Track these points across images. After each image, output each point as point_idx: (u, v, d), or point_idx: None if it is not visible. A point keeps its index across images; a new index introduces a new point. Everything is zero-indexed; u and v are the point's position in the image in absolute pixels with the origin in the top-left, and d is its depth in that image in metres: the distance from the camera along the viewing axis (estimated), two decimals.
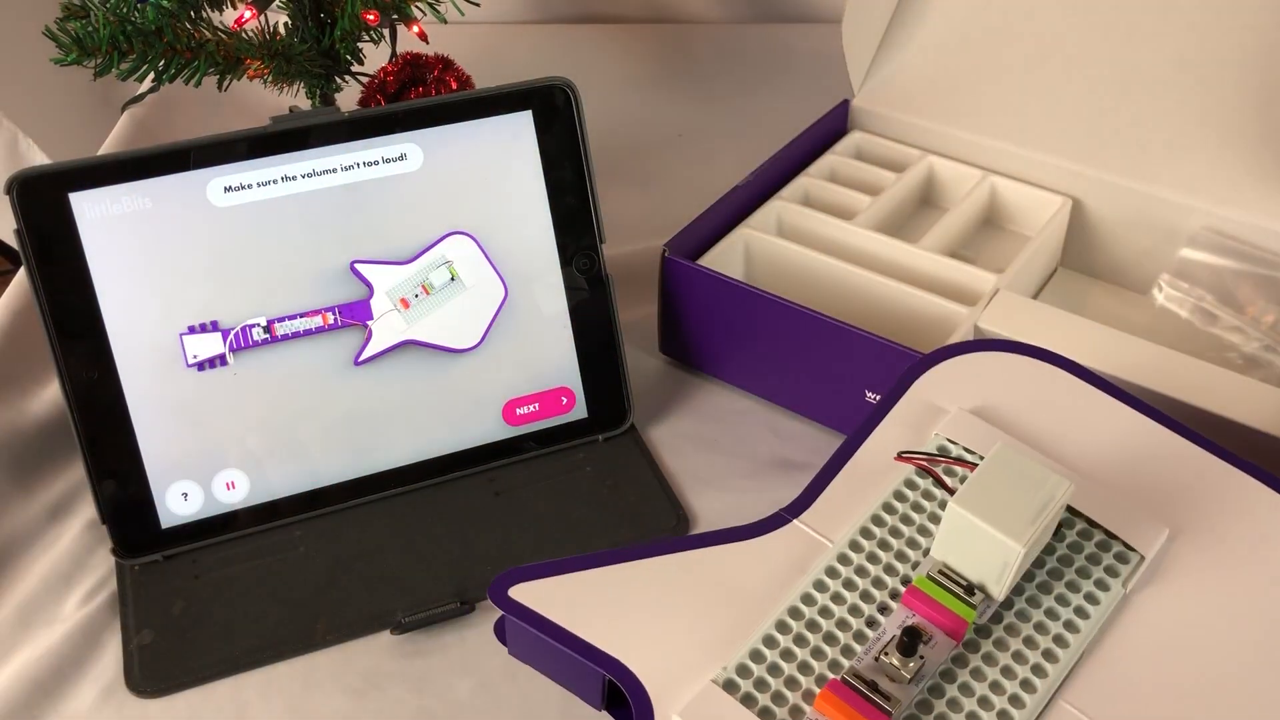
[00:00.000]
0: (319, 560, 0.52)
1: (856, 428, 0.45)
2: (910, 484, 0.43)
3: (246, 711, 0.46)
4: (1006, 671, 0.38)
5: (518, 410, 0.56)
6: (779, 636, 0.39)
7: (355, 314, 0.53)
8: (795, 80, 0.89)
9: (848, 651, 0.38)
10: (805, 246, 0.61)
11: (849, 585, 0.40)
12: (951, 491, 0.42)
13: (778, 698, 0.37)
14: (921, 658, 0.37)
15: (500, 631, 0.42)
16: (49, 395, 0.59)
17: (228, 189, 0.51)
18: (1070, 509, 0.42)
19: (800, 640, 0.39)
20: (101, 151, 0.78)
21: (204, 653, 0.48)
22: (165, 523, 0.52)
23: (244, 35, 0.64)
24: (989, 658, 0.38)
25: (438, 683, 0.47)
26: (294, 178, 0.52)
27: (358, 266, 0.53)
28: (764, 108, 0.86)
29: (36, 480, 0.56)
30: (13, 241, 0.51)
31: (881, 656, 0.37)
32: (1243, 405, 0.51)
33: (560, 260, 0.56)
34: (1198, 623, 0.39)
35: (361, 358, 0.53)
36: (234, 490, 0.52)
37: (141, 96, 0.75)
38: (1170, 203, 0.62)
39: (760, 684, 0.37)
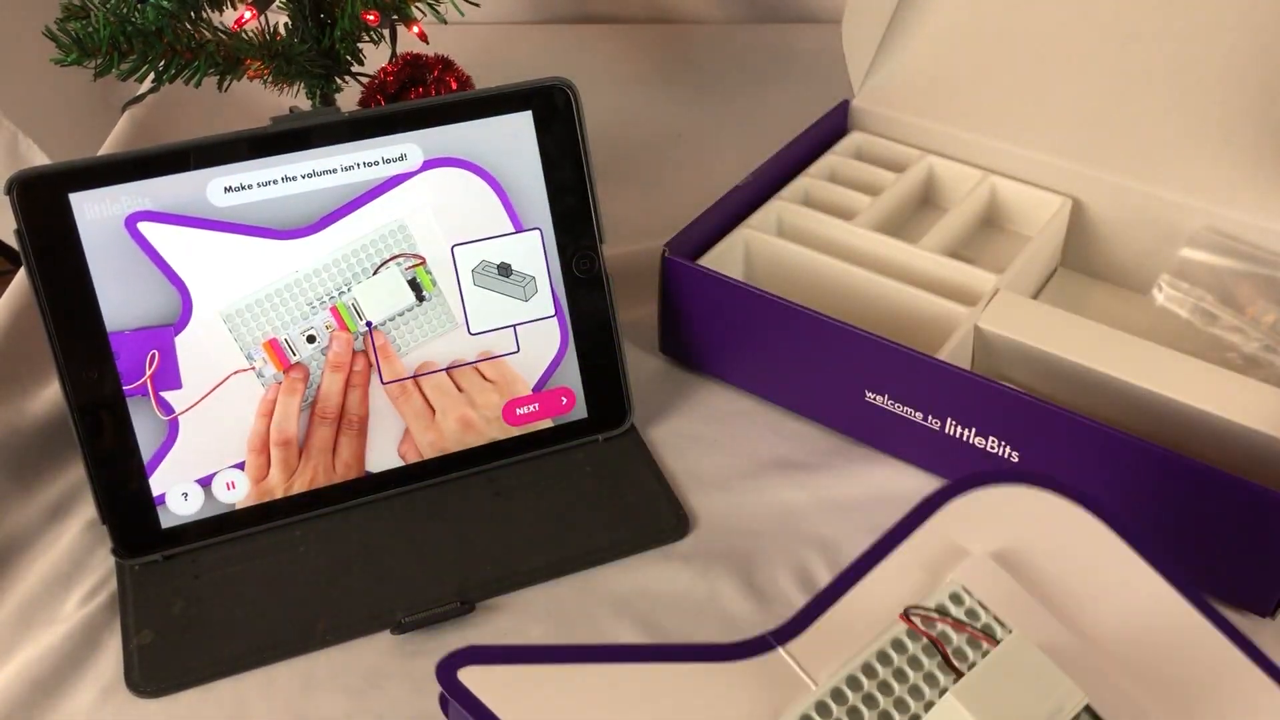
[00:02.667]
0: (319, 560, 0.52)
1: (865, 552, 0.41)
2: (912, 635, 0.39)
3: (246, 711, 0.46)
4: None
5: (517, 410, 0.56)
6: None
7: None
8: (795, 80, 0.89)
9: None
10: (805, 246, 0.61)
11: None
12: (958, 673, 0.38)
13: None
14: None
15: (444, 703, 0.40)
16: (49, 395, 0.59)
17: (228, 189, 0.51)
18: None
19: None
20: (101, 152, 0.78)
21: (204, 653, 0.48)
22: (165, 523, 0.51)
23: (244, 35, 0.64)
24: None
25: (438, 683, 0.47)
26: (294, 178, 0.52)
27: None
28: (764, 108, 0.86)
29: (36, 480, 0.56)
30: (13, 241, 0.51)
31: None
32: (1243, 405, 0.51)
33: (560, 260, 0.56)
34: None
35: None
36: (234, 490, 0.52)
37: (141, 97, 0.75)
38: (1170, 203, 0.62)
39: None
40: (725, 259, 0.61)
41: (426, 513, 0.54)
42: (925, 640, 0.38)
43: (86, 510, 0.54)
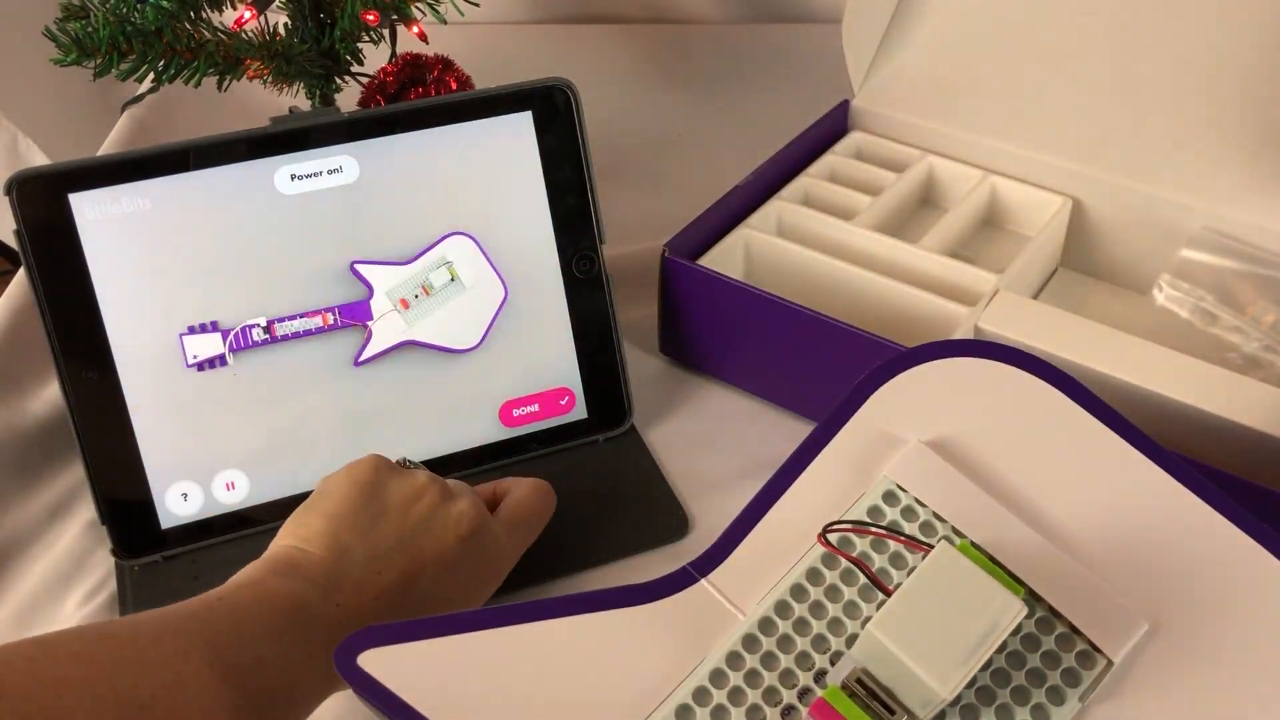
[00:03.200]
0: None
1: (784, 464, 0.37)
2: (846, 543, 0.35)
3: None
4: None
5: (517, 411, 0.56)
6: None
7: (355, 314, 0.53)
8: (795, 80, 0.89)
9: None
10: (805, 246, 0.61)
11: (752, 678, 0.34)
12: (887, 592, 0.34)
13: None
14: None
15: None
16: (49, 395, 0.59)
17: None
18: (1030, 591, 0.35)
19: None
20: (101, 152, 0.78)
21: None
22: (165, 523, 0.51)
23: (244, 36, 0.64)
24: None
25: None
26: (295, 178, 0.52)
27: (358, 267, 0.53)
28: (764, 108, 0.86)
29: (36, 480, 0.56)
30: (12, 242, 0.51)
31: None
32: (1243, 405, 0.51)
33: (560, 260, 0.56)
34: None
35: (361, 358, 0.53)
36: (234, 490, 0.52)
37: (141, 97, 0.75)
38: (1170, 203, 0.61)
39: None
40: (725, 259, 0.61)
41: None
42: (862, 546, 0.35)
43: (86, 511, 0.54)
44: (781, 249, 0.62)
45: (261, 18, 0.65)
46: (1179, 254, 0.61)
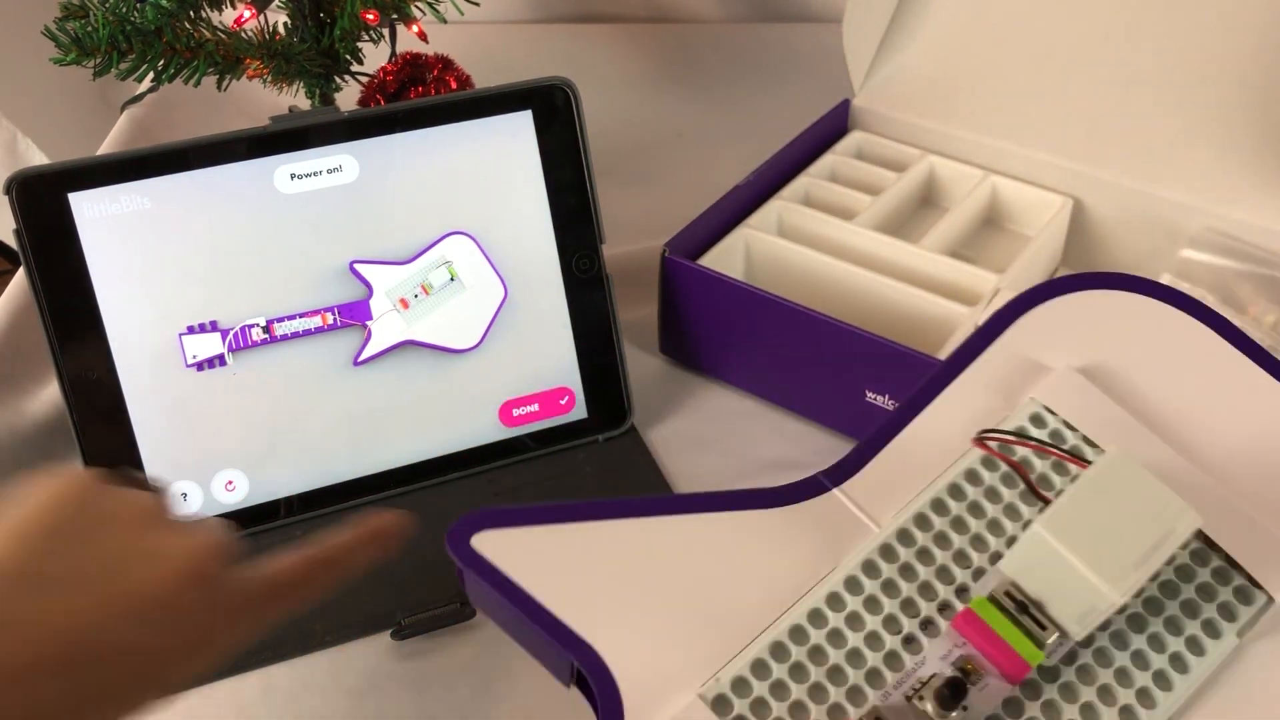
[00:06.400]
0: None
1: (927, 379, 0.35)
2: (989, 463, 0.34)
3: (245, 713, 0.46)
4: None
5: (517, 411, 0.56)
6: (791, 646, 0.31)
7: (354, 314, 0.53)
8: (795, 80, 0.89)
9: (875, 678, 0.31)
10: (805, 246, 0.61)
11: (889, 588, 0.32)
12: (1045, 502, 0.32)
13: None
14: (965, 708, 0.29)
15: (460, 572, 0.35)
16: (49, 395, 0.59)
17: None
18: None
19: (817, 654, 0.31)
20: (101, 151, 0.78)
21: None
22: None
23: (243, 35, 0.64)
24: (1051, 709, 0.30)
25: (437, 684, 0.47)
26: (295, 177, 0.52)
27: (357, 267, 0.53)
28: (764, 108, 0.86)
29: None
30: (12, 241, 0.51)
31: (914, 698, 0.29)
32: None
33: (560, 260, 0.56)
34: None
35: (361, 358, 0.53)
36: (234, 490, 0.52)
37: (141, 96, 0.75)
38: (1171, 203, 0.61)
39: (759, 708, 0.30)
40: (725, 259, 0.61)
41: (426, 513, 0.54)
42: (1004, 467, 0.33)
43: None
44: (782, 249, 0.62)
45: (261, 17, 0.65)
46: (1180, 254, 0.61)
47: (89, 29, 0.59)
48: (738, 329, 0.58)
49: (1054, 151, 0.65)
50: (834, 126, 0.71)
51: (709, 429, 0.59)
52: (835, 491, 0.34)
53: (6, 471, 0.55)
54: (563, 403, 0.57)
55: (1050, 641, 0.29)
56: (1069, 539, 0.29)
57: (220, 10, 0.66)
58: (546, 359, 0.56)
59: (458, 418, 0.55)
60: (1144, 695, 0.30)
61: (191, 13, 0.62)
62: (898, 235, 0.62)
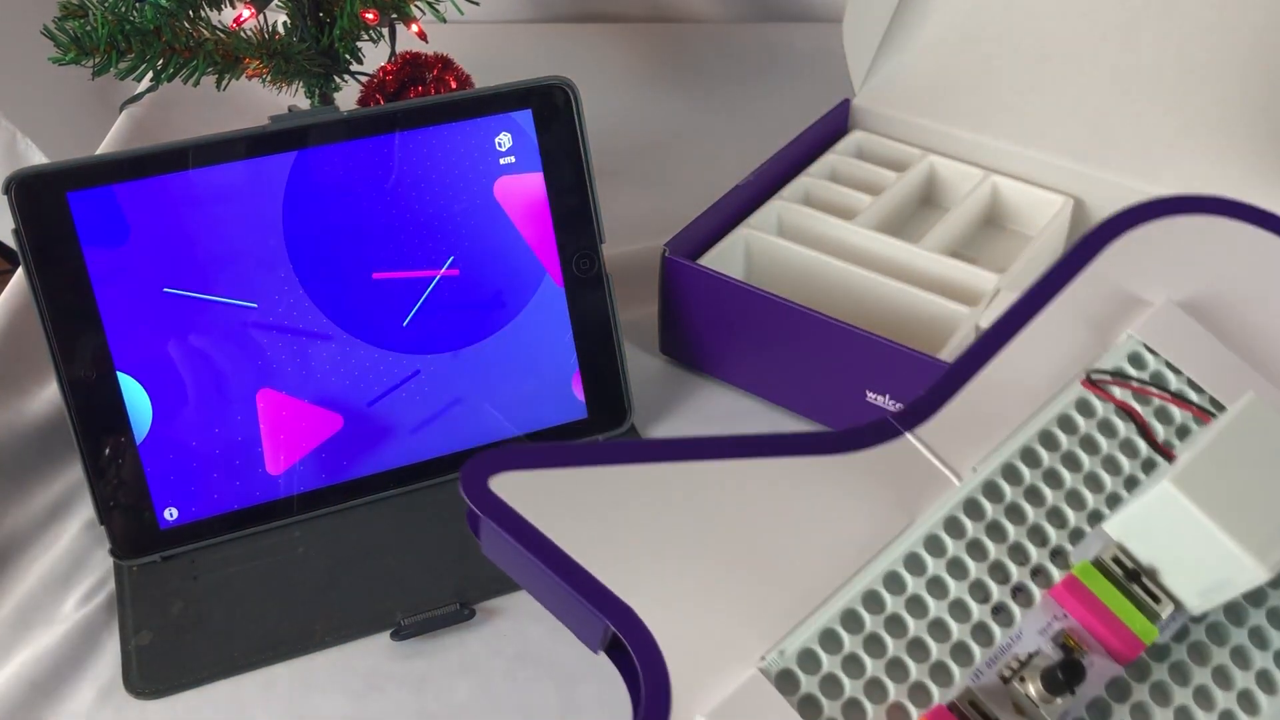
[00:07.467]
0: (318, 561, 0.52)
1: (1007, 313, 0.31)
2: (1084, 407, 0.29)
3: (245, 713, 0.46)
4: (1183, 715, 0.26)
5: (517, 410, 0.56)
6: (865, 615, 0.27)
7: None
8: (795, 80, 0.89)
9: (961, 654, 0.27)
10: (805, 246, 0.61)
11: (975, 550, 0.28)
12: (1164, 454, 0.28)
13: (852, 710, 0.25)
14: (1072, 693, 0.25)
15: (473, 520, 0.31)
16: (48, 395, 0.59)
17: None
18: None
19: (894, 625, 0.27)
20: (100, 151, 0.78)
21: (202, 654, 0.48)
22: (164, 523, 0.51)
23: (242, 34, 0.64)
24: (1160, 693, 0.26)
25: (437, 684, 0.47)
26: None
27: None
28: (764, 108, 0.86)
29: (36, 480, 0.56)
30: (11, 241, 0.51)
31: (1014, 679, 0.25)
32: None
33: (560, 260, 0.56)
34: None
35: None
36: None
37: (140, 96, 0.75)
38: None
39: (829, 687, 0.26)
40: (725, 259, 0.61)
41: (426, 513, 0.54)
42: (1101, 413, 0.29)
43: (85, 511, 0.54)
44: (782, 249, 0.62)
45: (260, 16, 0.65)
46: None
47: (88, 28, 0.59)
48: (738, 329, 0.58)
49: (1054, 151, 0.65)
50: (834, 126, 0.71)
51: (709, 429, 0.59)
52: (908, 436, 0.30)
53: (6, 471, 0.55)
54: (563, 402, 0.57)
55: (1165, 616, 0.26)
56: (1207, 500, 0.25)
57: (219, 10, 0.66)
58: (546, 359, 0.56)
59: (458, 418, 0.55)
60: (1265, 679, 0.27)
61: (190, 12, 0.62)
62: (898, 235, 0.62)
